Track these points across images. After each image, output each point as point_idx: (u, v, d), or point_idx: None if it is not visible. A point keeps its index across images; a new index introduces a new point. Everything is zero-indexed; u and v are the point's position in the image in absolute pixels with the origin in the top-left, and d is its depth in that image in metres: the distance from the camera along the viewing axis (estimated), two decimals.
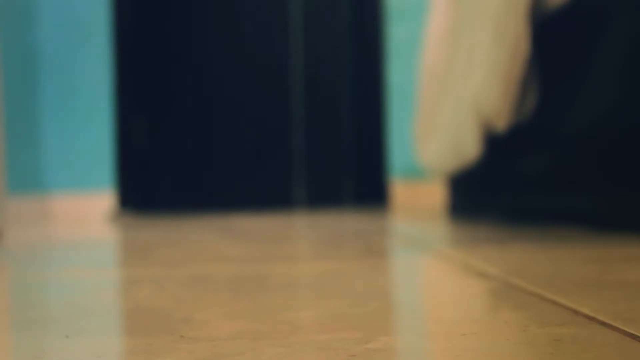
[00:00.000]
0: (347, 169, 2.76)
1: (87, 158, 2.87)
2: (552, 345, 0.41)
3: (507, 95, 1.29)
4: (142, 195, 2.75)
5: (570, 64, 1.25)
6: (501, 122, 1.35)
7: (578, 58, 1.21)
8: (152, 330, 0.48)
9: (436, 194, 2.36)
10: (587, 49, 1.18)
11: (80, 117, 2.88)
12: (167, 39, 2.83)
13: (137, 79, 2.80)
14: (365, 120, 2.74)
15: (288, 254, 0.92)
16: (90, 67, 2.84)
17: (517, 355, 0.40)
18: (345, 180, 2.75)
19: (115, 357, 0.43)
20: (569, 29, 1.24)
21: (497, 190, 1.62)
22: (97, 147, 2.85)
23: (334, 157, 2.77)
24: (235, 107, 2.82)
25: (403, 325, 0.50)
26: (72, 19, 2.85)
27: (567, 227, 1.13)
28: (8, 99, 2.55)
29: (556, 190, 1.30)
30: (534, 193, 1.41)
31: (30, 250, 1.12)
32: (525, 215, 1.43)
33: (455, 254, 0.85)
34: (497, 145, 1.47)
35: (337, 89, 2.78)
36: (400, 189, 2.57)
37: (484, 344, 0.42)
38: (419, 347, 0.43)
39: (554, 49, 1.30)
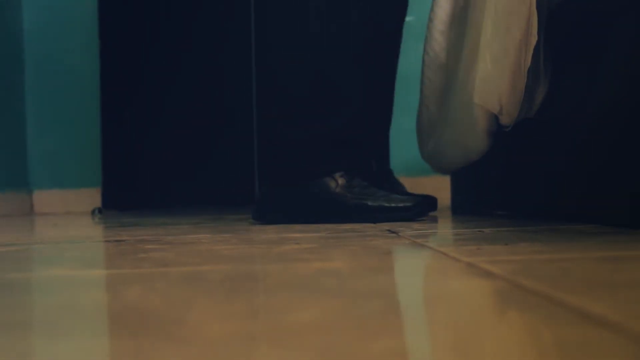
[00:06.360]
0: None
1: (74, 156, 2.87)
2: (561, 347, 0.41)
3: (514, 88, 1.29)
4: (129, 195, 2.75)
5: (582, 54, 1.25)
6: (508, 116, 1.35)
7: (592, 47, 1.21)
8: (141, 332, 0.48)
9: (440, 191, 2.36)
10: (602, 37, 1.18)
11: (66, 114, 2.87)
12: (158, 33, 2.82)
13: (125, 74, 2.79)
14: None
15: (285, 253, 0.92)
16: (77, 63, 2.84)
17: (524, 358, 0.40)
18: None
19: None
20: (582, 16, 1.24)
21: (504, 187, 1.63)
22: (84, 145, 2.85)
23: None
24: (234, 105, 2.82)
25: (405, 326, 0.50)
26: (58, 13, 2.84)
27: (578, 226, 1.13)
28: None
29: (567, 188, 1.30)
30: (542, 190, 1.42)
31: (14, 250, 1.12)
32: (533, 213, 1.44)
33: (459, 252, 0.85)
34: (504, 141, 1.47)
35: None
36: None
37: (489, 346, 0.43)
38: (421, 348, 0.44)
39: (565, 37, 1.30)
